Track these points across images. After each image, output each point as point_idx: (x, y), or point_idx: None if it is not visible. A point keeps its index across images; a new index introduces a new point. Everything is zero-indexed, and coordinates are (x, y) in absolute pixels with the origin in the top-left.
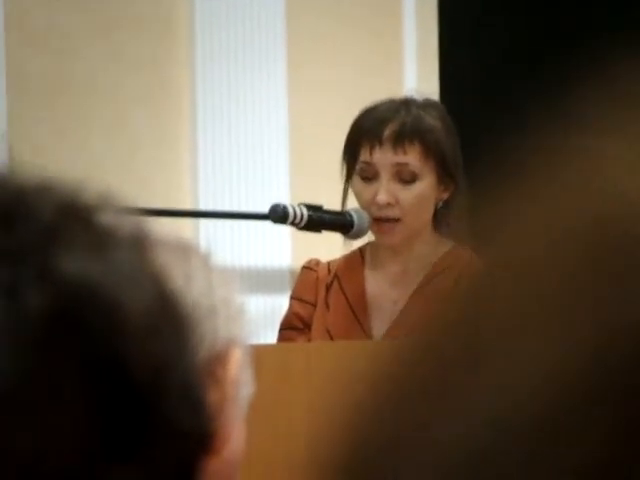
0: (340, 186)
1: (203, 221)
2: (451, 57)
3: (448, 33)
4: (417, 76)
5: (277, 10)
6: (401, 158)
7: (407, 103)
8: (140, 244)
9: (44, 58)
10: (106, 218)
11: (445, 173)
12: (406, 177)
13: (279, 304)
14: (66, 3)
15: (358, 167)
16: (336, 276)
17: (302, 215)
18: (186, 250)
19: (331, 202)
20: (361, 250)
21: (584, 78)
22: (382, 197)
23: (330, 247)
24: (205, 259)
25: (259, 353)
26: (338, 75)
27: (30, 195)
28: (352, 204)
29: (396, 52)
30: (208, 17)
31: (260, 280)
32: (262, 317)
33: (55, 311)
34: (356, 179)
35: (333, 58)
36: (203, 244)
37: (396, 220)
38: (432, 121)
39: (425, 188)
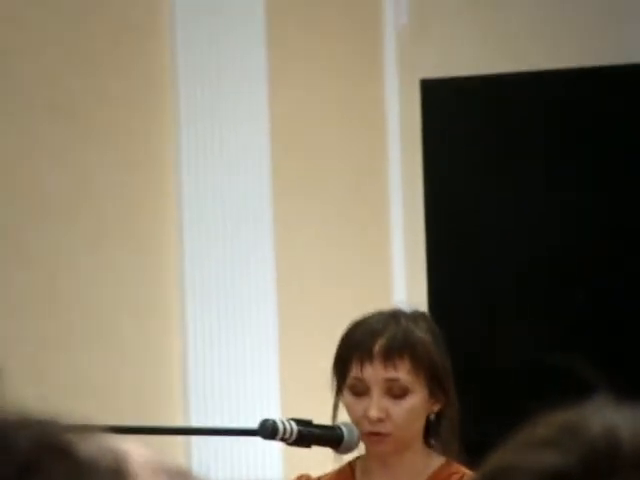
0: (330, 398)
1: (195, 436)
2: (439, 266)
3: (435, 240)
4: (406, 286)
5: (263, 192)
6: (392, 374)
7: (396, 316)
8: (119, 477)
9: (33, 272)
10: (86, 449)
11: (436, 386)
12: (397, 392)
13: None
14: (55, 219)
15: (349, 382)
16: None
17: (292, 430)
18: (181, 475)
19: (323, 414)
20: (351, 464)
21: None
22: (373, 413)
23: (321, 460)
24: None
25: None
26: (327, 287)
27: (9, 430)
28: (342, 416)
29: (384, 259)
30: (197, 230)
31: None
32: None
33: None
34: (347, 393)
35: (322, 267)
36: (195, 459)
37: (387, 434)
38: (421, 334)
39: (416, 402)
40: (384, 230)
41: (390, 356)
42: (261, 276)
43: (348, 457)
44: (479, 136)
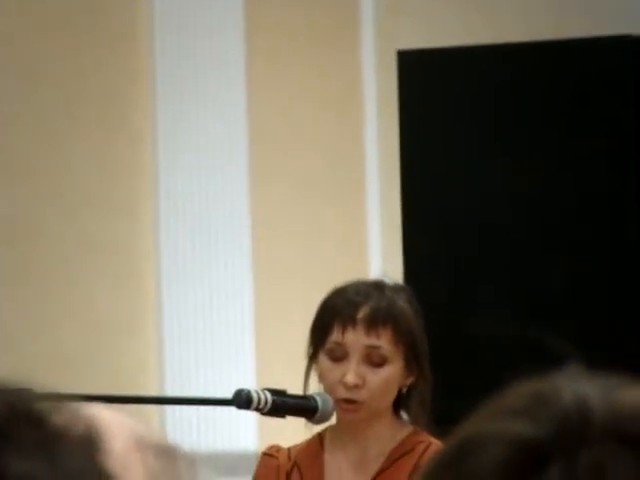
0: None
1: (169, 406)
2: (415, 239)
3: (411, 212)
4: (381, 258)
5: (239, 159)
6: (373, 341)
7: (379, 286)
8: (92, 445)
9: (10, 247)
10: (58, 418)
11: (412, 359)
12: (376, 360)
13: None
14: (31, 188)
15: (327, 347)
16: (296, 463)
17: (266, 400)
18: (166, 451)
19: (298, 385)
20: (320, 435)
21: None
22: (350, 378)
23: (296, 430)
24: (173, 456)
25: None
26: (303, 257)
27: None
28: (313, 387)
29: (360, 231)
30: (173, 202)
31: (227, 464)
32: None
33: None
34: (323, 358)
35: (298, 238)
36: (169, 428)
37: (361, 402)
38: (403, 305)
39: (393, 372)
40: (360, 202)
41: (374, 323)
42: (237, 247)
43: (319, 427)
44: (456, 108)
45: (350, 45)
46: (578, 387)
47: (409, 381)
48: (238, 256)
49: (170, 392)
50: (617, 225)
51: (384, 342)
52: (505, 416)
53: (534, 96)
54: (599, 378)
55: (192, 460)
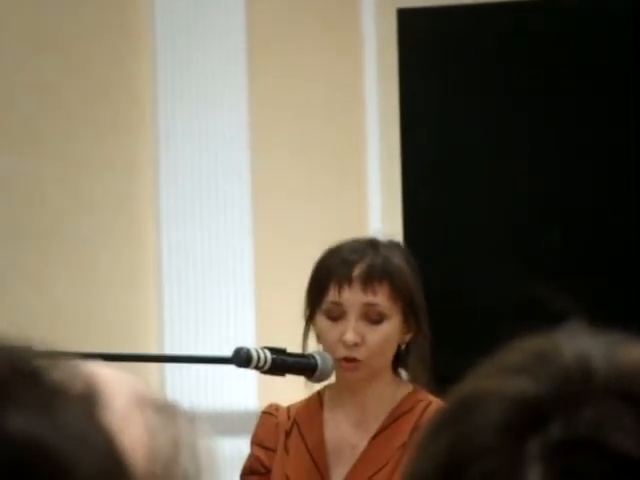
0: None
1: (169, 365)
2: (414, 199)
3: (411, 172)
4: (381, 218)
5: (240, 119)
6: (370, 298)
7: (374, 244)
8: (91, 402)
9: (10, 204)
10: (57, 376)
11: (410, 315)
12: (374, 317)
13: (246, 447)
14: (31, 150)
15: (325, 307)
16: (295, 422)
17: (266, 358)
18: (166, 408)
19: (298, 343)
20: (320, 393)
21: None
22: (350, 337)
23: (296, 388)
24: (174, 415)
25: None
26: (302, 218)
27: None
28: (312, 347)
29: (360, 191)
30: (173, 159)
31: (226, 422)
32: (229, 460)
33: (2, 471)
34: (321, 318)
35: (298, 197)
36: (169, 387)
37: (361, 359)
38: (399, 262)
39: (391, 329)
40: (360, 162)
41: (370, 281)
42: (237, 207)
43: (318, 386)
44: (456, 67)
45: (350, 3)
46: (580, 344)
47: (408, 337)
48: (238, 217)
49: (169, 350)
50: (618, 178)
51: (381, 299)
52: (506, 374)
53: (535, 52)
54: (601, 335)
55: (191, 418)
